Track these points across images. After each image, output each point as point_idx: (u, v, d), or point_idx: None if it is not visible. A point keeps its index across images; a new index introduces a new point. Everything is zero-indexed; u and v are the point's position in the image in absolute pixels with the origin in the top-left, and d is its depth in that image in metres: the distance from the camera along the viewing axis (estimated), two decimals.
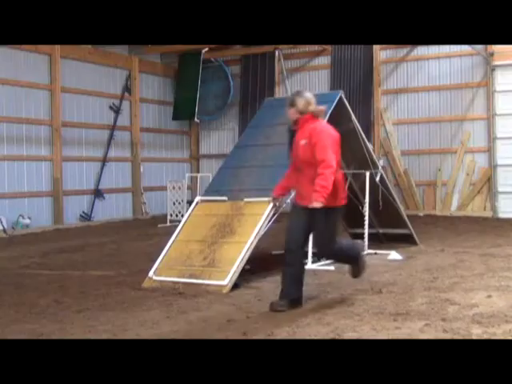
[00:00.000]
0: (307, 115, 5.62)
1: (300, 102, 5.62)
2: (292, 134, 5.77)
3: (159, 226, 13.86)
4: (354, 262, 5.94)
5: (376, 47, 15.46)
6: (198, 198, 7.81)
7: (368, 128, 14.94)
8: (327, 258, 6.20)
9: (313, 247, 7.23)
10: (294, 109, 5.65)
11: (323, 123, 5.81)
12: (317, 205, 5.32)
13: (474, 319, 4.95)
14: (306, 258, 8.13)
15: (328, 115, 7.97)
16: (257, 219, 7.01)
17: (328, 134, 5.62)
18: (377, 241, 9.37)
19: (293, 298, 5.59)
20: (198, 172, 17.74)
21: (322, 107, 5.77)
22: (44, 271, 8.14)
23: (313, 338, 4.59)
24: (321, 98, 8.63)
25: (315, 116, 5.68)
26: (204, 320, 5.32)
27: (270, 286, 6.66)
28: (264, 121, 8.56)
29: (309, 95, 5.71)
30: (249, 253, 6.76)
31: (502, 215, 13.88)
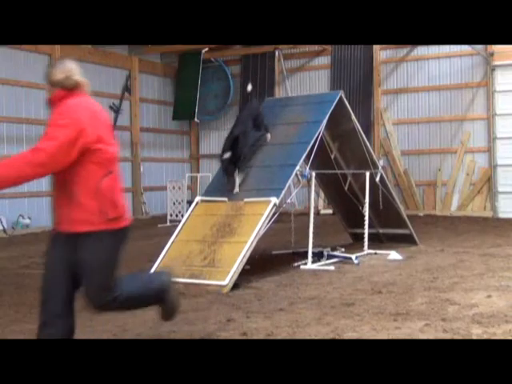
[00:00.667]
0: (60, 91, 3.87)
1: (55, 73, 3.89)
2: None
3: (159, 226, 13.86)
4: (161, 300, 4.33)
5: (376, 47, 15.46)
6: (198, 198, 7.81)
7: (368, 128, 14.93)
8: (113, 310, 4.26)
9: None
10: (48, 84, 3.99)
11: (80, 99, 3.85)
12: None
13: (474, 319, 4.95)
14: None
15: (328, 115, 8.00)
16: (257, 219, 7.01)
17: (68, 114, 3.75)
18: (377, 241, 9.37)
19: None
20: (198, 172, 17.74)
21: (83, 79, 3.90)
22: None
23: (313, 337, 4.59)
24: (321, 98, 8.69)
25: (71, 90, 3.85)
26: (204, 320, 5.32)
27: (270, 285, 6.67)
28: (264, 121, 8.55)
29: (70, 64, 3.91)
30: (249, 253, 6.76)
31: (501, 215, 13.88)
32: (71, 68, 3.90)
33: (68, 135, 3.68)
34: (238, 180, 7.52)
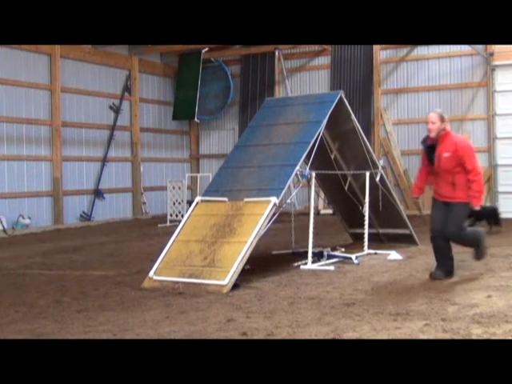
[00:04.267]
0: (444, 131, 6.73)
1: (445, 119, 6.77)
2: (430, 147, 6.85)
3: (159, 226, 13.86)
4: (476, 246, 7.01)
5: (376, 47, 15.47)
6: (198, 198, 7.81)
7: (368, 128, 14.94)
8: (455, 241, 7.01)
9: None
10: (441, 124, 6.70)
11: (457, 135, 7.21)
12: (476, 208, 6.74)
13: (474, 319, 4.95)
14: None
15: (328, 115, 8.00)
16: (257, 219, 7.01)
17: (470, 147, 6.88)
18: (377, 241, 9.37)
19: (447, 269, 6.80)
20: (198, 172, 17.75)
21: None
22: (44, 271, 8.15)
23: (313, 337, 4.59)
24: (321, 98, 8.68)
25: (447, 131, 6.80)
26: (204, 320, 5.32)
27: (270, 285, 6.67)
28: (264, 121, 8.56)
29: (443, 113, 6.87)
30: (249, 253, 6.76)
31: (502, 215, 13.86)
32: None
33: None
34: None
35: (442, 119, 6.74)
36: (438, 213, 6.95)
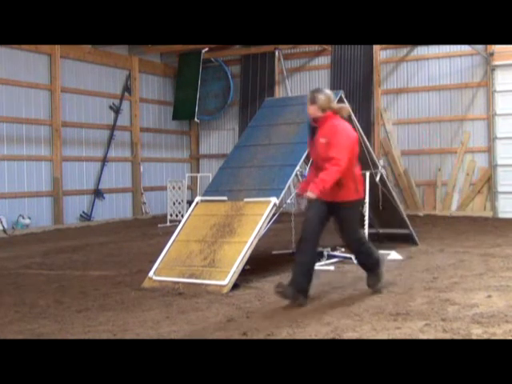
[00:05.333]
0: (328, 113, 5.73)
1: (321, 98, 5.71)
2: (313, 130, 5.88)
3: (159, 226, 13.86)
4: (374, 267, 6.14)
5: (376, 47, 15.46)
6: (198, 198, 7.80)
7: (368, 128, 14.93)
8: (353, 250, 6.35)
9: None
10: (316, 106, 5.72)
11: (343, 122, 5.87)
12: (310, 195, 5.53)
13: (474, 319, 4.95)
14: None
15: None
16: (257, 219, 7.01)
17: (346, 135, 5.75)
18: (377, 241, 9.36)
19: (301, 288, 5.71)
20: (198, 172, 17.74)
21: (346, 105, 5.87)
22: (44, 271, 8.15)
23: (313, 337, 4.59)
24: None
25: (336, 113, 5.80)
26: (204, 320, 5.32)
27: (270, 285, 6.66)
28: (264, 121, 8.56)
29: (329, 92, 5.83)
30: (249, 253, 6.76)
31: (501, 215, 13.88)
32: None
33: None
34: None
35: (313, 101, 5.73)
36: (315, 213, 5.91)
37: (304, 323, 5.04)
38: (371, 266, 6.16)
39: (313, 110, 5.75)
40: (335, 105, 5.87)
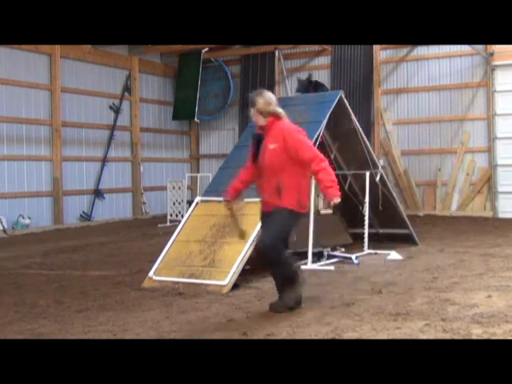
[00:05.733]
0: (271, 118, 5.42)
1: (259, 102, 5.41)
2: (257, 138, 5.55)
3: (159, 226, 13.86)
4: (289, 284, 5.47)
5: (376, 47, 15.46)
6: (198, 199, 7.81)
7: (368, 128, 14.93)
8: (268, 261, 5.51)
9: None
10: (254, 109, 5.44)
11: (289, 122, 5.58)
12: (337, 200, 5.20)
13: (474, 319, 4.95)
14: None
15: (328, 115, 8.00)
16: (257, 219, 7.00)
17: (301, 133, 5.50)
18: (377, 241, 9.37)
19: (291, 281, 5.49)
20: (198, 172, 17.74)
21: (281, 110, 5.50)
22: (44, 271, 8.15)
23: (313, 337, 4.59)
24: (321, 98, 8.69)
25: (278, 117, 5.46)
26: (204, 320, 5.32)
27: (270, 285, 6.66)
28: None
29: (269, 95, 5.53)
30: (249, 253, 6.76)
31: (501, 215, 13.87)
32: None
33: None
34: None
35: (252, 104, 5.45)
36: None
37: (304, 323, 5.04)
38: (282, 284, 5.51)
39: (254, 115, 5.46)
40: (276, 108, 5.47)
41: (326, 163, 5.31)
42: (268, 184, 5.39)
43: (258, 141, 5.50)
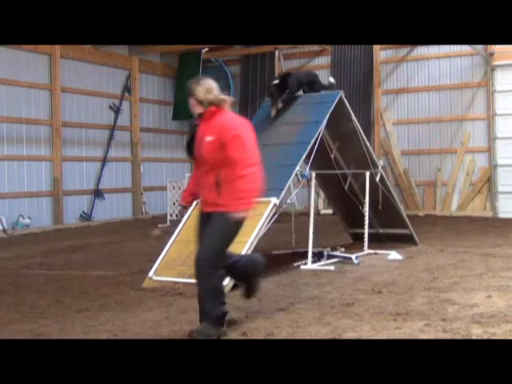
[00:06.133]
0: (212, 107, 4.82)
1: (198, 90, 4.85)
2: (195, 129, 5.02)
3: (159, 226, 13.85)
4: (249, 279, 5.15)
5: (376, 47, 15.46)
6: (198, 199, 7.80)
7: (368, 128, 14.93)
8: (197, 278, 4.79)
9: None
10: (193, 99, 4.89)
11: (232, 114, 4.95)
12: (240, 215, 4.60)
13: (474, 319, 4.95)
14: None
15: (328, 115, 8.00)
16: (257, 219, 7.00)
17: (244, 127, 4.84)
18: (377, 241, 9.37)
19: (216, 316, 4.71)
20: None
21: (226, 96, 4.90)
22: (44, 271, 8.14)
23: (313, 338, 4.59)
24: (321, 98, 8.69)
25: (219, 106, 4.85)
26: None
27: (270, 285, 6.67)
28: (264, 121, 8.56)
29: (209, 82, 4.91)
30: (249, 253, 6.75)
31: (501, 215, 13.87)
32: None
33: None
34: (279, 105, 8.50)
35: (191, 93, 4.90)
36: (202, 234, 4.92)
37: (304, 323, 5.04)
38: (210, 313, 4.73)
39: (193, 104, 4.91)
40: (218, 97, 4.85)
41: (253, 169, 4.64)
42: (206, 178, 4.82)
43: (195, 132, 4.97)
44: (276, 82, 8.68)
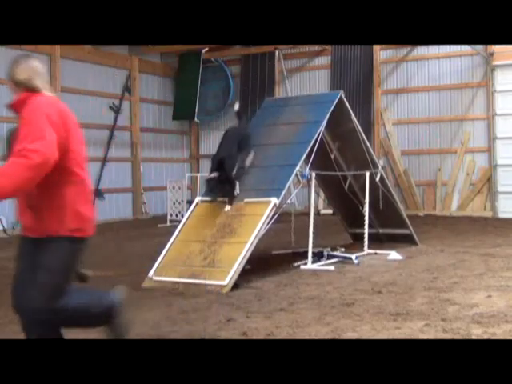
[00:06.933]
0: (25, 93, 3.79)
1: (16, 72, 3.81)
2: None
3: (159, 226, 13.86)
4: (107, 321, 4.09)
5: (376, 47, 15.46)
6: (198, 199, 7.81)
7: (368, 128, 14.93)
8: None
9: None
10: (11, 83, 3.88)
11: (45, 98, 3.79)
12: None
13: (474, 319, 4.95)
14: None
15: (328, 115, 8.00)
16: (257, 219, 7.01)
17: (39, 109, 3.64)
18: (377, 241, 9.37)
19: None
20: (197, 172, 17.73)
21: (40, 83, 3.80)
22: None
23: (313, 338, 4.59)
24: (321, 98, 8.69)
25: (34, 91, 3.78)
26: (204, 320, 5.32)
27: (270, 285, 6.67)
28: (264, 121, 8.56)
29: (31, 63, 3.84)
30: (249, 253, 6.76)
31: (501, 215, 13.87)
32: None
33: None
34: (237, 188, 7.55)
35: (9, 75, 3.85)
36: (20, 265, 4.06)
37: (304, 323, 5.04)
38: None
39: (12, 90, 3.87)
40: (34, 81, 3.80)
41: (23, 160, 3.45)
42: (20, 198, 3.77)
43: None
44: (213, 175, 7.65)
